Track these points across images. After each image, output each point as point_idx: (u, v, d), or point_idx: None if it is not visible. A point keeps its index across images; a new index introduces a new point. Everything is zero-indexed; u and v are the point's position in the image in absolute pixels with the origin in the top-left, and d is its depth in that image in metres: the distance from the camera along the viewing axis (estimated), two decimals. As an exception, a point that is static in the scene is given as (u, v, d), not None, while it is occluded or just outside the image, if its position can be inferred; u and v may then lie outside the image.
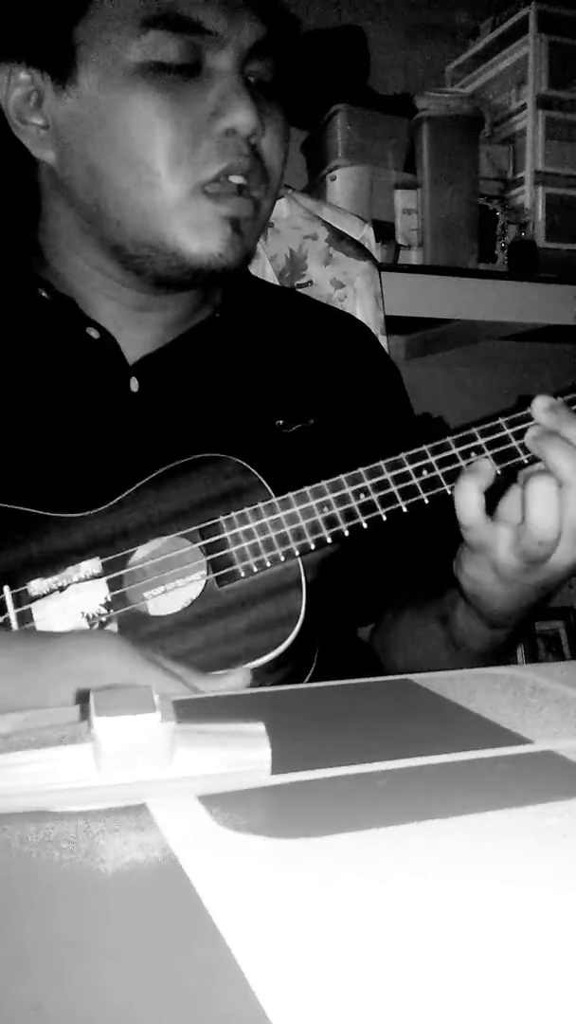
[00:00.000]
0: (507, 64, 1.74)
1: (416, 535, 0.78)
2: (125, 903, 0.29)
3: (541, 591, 0.64)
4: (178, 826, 0.34)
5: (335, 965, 0.25)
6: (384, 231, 1.54)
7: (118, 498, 0.66)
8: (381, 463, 0.63)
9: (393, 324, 1.16)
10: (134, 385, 0.75)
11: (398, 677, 0.55)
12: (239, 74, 0.68)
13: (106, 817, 0.35)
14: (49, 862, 0.32)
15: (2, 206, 0.81)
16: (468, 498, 0.60)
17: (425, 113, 1.61)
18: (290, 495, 0.63)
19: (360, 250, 1.07)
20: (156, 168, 0.67)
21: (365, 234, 1.12)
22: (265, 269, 1.04)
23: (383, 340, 1.06)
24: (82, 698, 0.54)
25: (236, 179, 0.68)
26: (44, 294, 0.75)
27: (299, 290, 1.02)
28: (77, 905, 0.29)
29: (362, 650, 0.89)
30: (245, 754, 0.37)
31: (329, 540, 0.63)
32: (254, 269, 1.02)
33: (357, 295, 1.05)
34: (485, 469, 0.62)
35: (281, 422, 0.77)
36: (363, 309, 1.05)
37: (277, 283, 1.04)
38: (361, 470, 0.63)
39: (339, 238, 1.07)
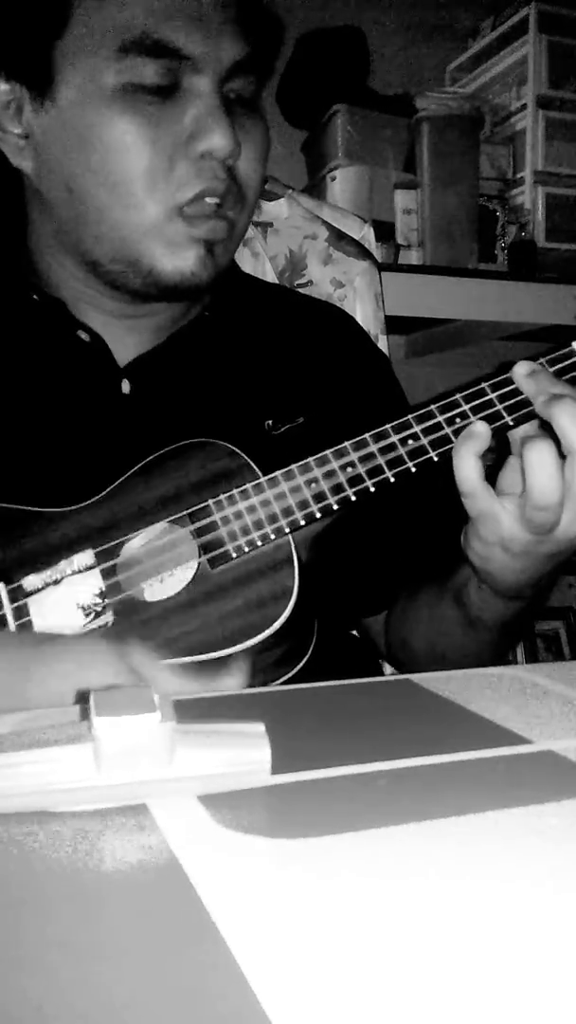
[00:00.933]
0: (507, 64, 1.74)
1: (420, 518, 0.78)
2: (125, 903, 0.29)
3: (551, 560, 0.63)
4: (178, 826, 0.34)
5: (335, 965, 0.25)
6: (384, 231, 1.54)
7: (107, 490, 0.66)
8: (367, 435, 0.63)
9: (393, 324, 1.16)
10: (125, 387, 0.76)
11: (398, 677, 0.55)
12: (217, 95, 0.68)
13: (106, 817, 0.35)
14: (49, 862, 0.32)
15: None
16: (466, 464, 0.59)
17: (425, 113, 1.61)
18: (277, 473, 0.64)
19: (360, 250, 1.07)
20: (133, 190, 0.67)
21: (365, 234, 1.12)
22: (265, 269, 1.04)
23: (383, 340, 1.06)
24: (82, 698, 0.54)
25: (212, 201, 0.69)
26: (35, 296, 0.76)
27: (298, 290, 1.01)
28: (77, 905, 0.29)
29: (358, 644, 0.89)
30: (245, 754, 0.37)
31: (318, 515, 0.63)
32: (254, 269, 1.02)
33: (357, 295, 1.05)
34: (479, 432, 0.61)
35: (271, 422, 0.78)
36: (363, 309, 1.05)
37: (277, 283, 1.04)
38: (347, 443, 0.63)
39: (339, 238, 1.07)
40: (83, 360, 0.76)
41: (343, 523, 0.68)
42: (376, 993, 0.23)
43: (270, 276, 1.04)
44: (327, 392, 0.82)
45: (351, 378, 0.86)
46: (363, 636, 0.90)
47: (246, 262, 1.02)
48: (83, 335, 0.75)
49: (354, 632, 0.91)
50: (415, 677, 0.55)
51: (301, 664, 0.65)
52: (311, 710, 0.51)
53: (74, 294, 0.76)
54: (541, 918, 0.27)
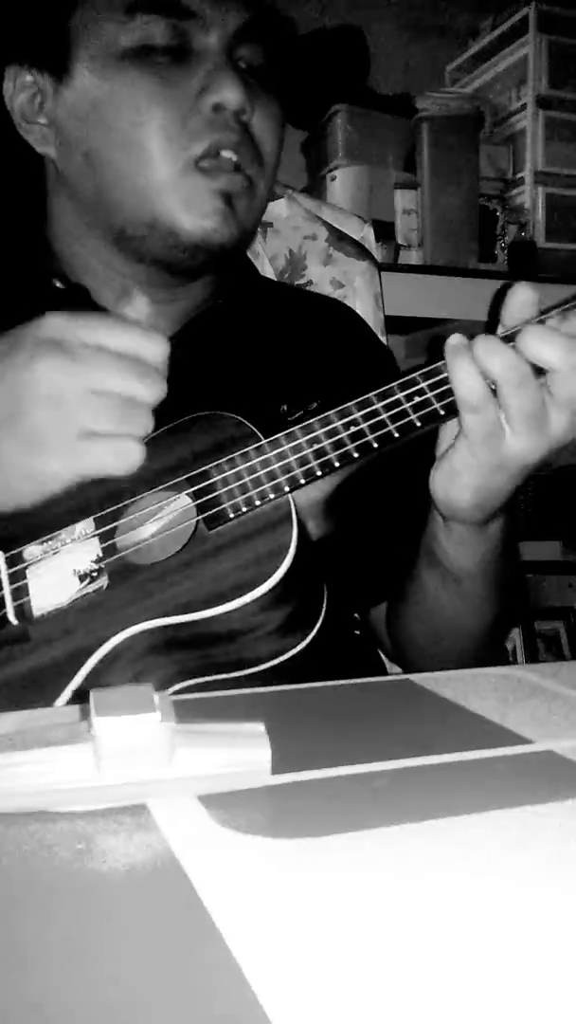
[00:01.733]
0: (507, 64, 1.74)
1: (410, 509, 0.78)
2: (125, 903, 0.29)
3: (525, 470, 0.63)
4: (178, 826, 0.34)
5: (335, 965, 0.25)
6: (384, 231, 1.54)
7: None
8: (371, 394, 0.63)
9: (393, 324, 1.16)
10: None
11: (398, 677, 0.55)
12: (226, 55, 0.71)
13: (106, 817, 0.35)
14: (49, 862, 0.32)
15: (11, 203, 0.82)
16: (468, 375, 0.58)
17: (425, 113, 1.61)
18: (279, 435, 0.63)
19: (360, 250, 1.07)
20: (148, 147, 0.69)
21: (365, 234, 1.12)
22: (265, 269, 1.04)
23: (383, 340, 1.06)
24: (82, 698, 0.54)
25: (227, 154, 0.70)
26: (58, 284, 0.76)
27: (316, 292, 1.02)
28: (77, 905, 0.29)
29: (361, 644, 0.89)
30: (245, 754, 0.37)
31: (319, 472, 0.62)
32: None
33: (357, 295, 1.05)
34: (459, 341, 0.61)
35: (285, 407, 0.78)
36: (363, 309, 1.04)
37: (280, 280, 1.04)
38: (351, 403, 0.63)
39: (339, 238, 1.07)
40: None
41: (354, 498, 0.68)
42: (376, 993, 0.23)
43: (270, 276, 1.04)
44: (338, 378, 0.83)
45: (359, 365, 0.87)
46: (368, 635, 0.90)
47: (246, 262, 1.02)
48: None
49: (356, 632, 0.91)
50: (415, 677, 0.55)
51: (310, 637, 0.64)
52: (311, 710, 0.51)
53: (98, 281, 0.77)
54: (541, 918, 0.27)
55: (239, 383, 0.79)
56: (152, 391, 0.59)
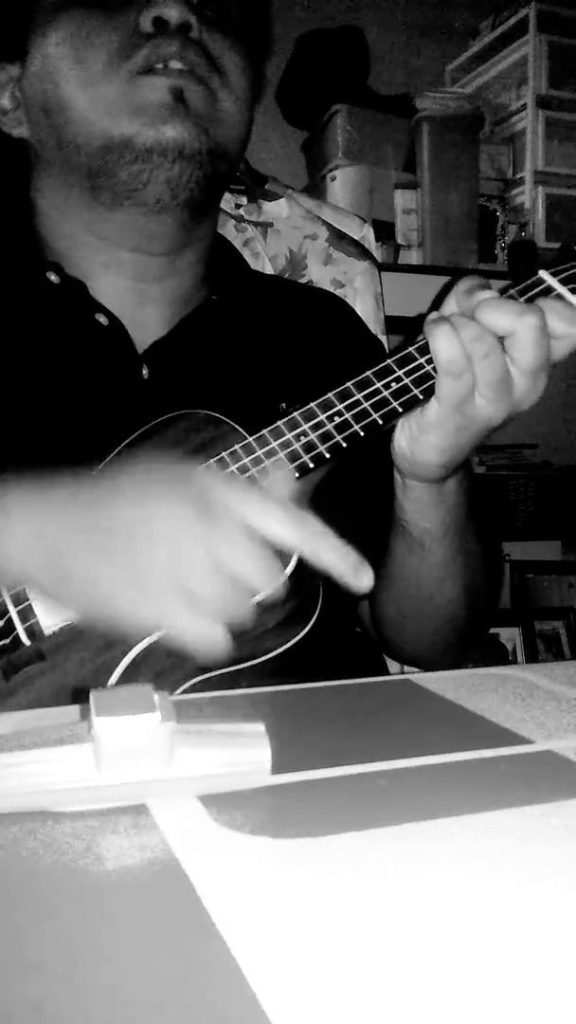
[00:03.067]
0: (507, 64, 1.74)
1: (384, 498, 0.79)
2: (125, 903, 0.29)
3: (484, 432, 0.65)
4: (178, 826, 0.34)
5: (335, 965, 0.25)
6: (384, 231, 1.54)
7: (99, 466, 0.66)
8: (349, 384, 0.65)
9: (393, 324, 1.16)
10: (145, 372, 0.76)
11: (398, 677, 0.55)
12: None
13: (106, 817, 0.35)
14: (49, 862, 0.32)
15: (4, 195, 0.82)
16: (449, 341, 0.60)
17: (425, 113, 1.61)
18: (265, 431, 0.64)
19: (360, 250, 1.07)
20: (92, 68, 0.69)
21: (365, 234, 1.12)
22: (265, 269, 1.04)
23: (383, 340, 1.06)
24: (82, 698, 0.54)
25: (175, 64, 0.69)
26: (53, 278, 0.76)
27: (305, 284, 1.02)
28: (77, 905, 0.29)
29: (361, 642, 0.89)
30: (245, 754, 0.37)
31: (311, 464, 0.63)
32: (253, 268, 1.02)
33: (357, 295, 1.05)
34: (439, 315, 0.63)
35: (284, 404, 0.78)
36: (363, 309, 1.04)
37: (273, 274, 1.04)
38: (331, 394, 0.64)
39: (339, 238, 1.07)
40: (102, 346, 0.76)
41: (334, 492, 0.69)
42: (376, 993, 0.23)
43: (270, 276, 1.04)
44: (333, 374, 0.83)
45: (354, 360, 0.87)
46: (363, 630, 0.90)
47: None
48: (101, 319, 0.76)
49: (358, 629, 0.91)
50: (415, 677, 0.55)
51: (307, 628, 0.65)
52: (311, 710, 0.51)
53: (89, 260, 0.76)
54: (541, 918, 0.27)
55: (235, 381, 0.79)
56: (266, 586, 0.51)
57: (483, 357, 0.60)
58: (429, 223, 1.61)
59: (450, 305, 0.66)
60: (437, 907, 0.28)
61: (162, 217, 0.73)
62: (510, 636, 1.89)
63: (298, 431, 0.63)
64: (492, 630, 1.87)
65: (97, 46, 0.70)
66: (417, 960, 0.25)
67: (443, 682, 0.53)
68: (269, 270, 1.04)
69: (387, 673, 0.90)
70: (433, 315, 0.64)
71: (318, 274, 1.05)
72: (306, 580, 0.63)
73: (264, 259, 1.04)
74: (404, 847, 0.32)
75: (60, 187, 0.76)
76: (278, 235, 1.06)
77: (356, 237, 1.09)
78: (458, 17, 1.91)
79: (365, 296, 1.06)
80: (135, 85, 0.69)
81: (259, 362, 0.81)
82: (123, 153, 0.70)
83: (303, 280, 1.06)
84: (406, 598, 0.78)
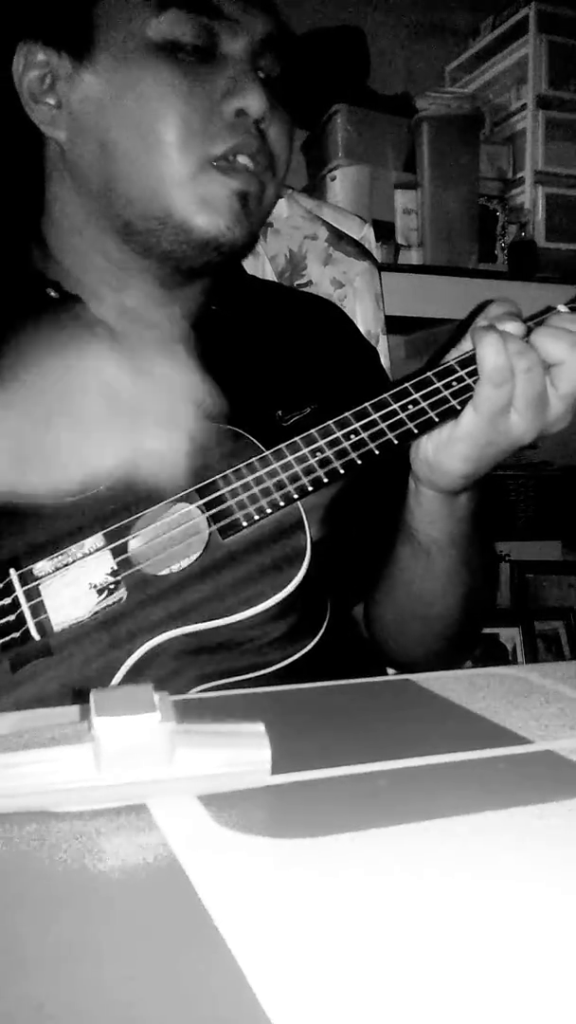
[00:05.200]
0: (507, 64, 1.74)
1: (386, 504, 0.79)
2: (125, 903, 0.29)
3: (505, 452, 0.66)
4: (178, 826, 0.34)
5: (335, 965, 0.25)
6: (384, 231, 1.54)
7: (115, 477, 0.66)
8: (367, 404, 0.65)
9: (393, 324, 1.16)
10: None
11: (398, 677, 0.55)
12: (251, 61, 0.71)
13: (106, 817, 0.35)
14: (49, 862, 0.32)
15: (7, 194, 0.82)
16: (496, 349, 0.61)
17: (425, 113, 1.61)
18: (282, 446, 0.65)
19: (360, 250, 1.07)
20: (168, 140, 0.69)
21: (365, 234, 1.12)
22: (265, 269, 1.04)
23: (383, 340, 1.06)
24: (82, 698, 0.54)
25: (244, 159, 0.71)
26: (52, 293, 0.76)
27: (300, 289, 1.02)
28: (77, 905, 0.29)
29: (361, 644, 0.89)
30: (245, 754, 0.37)
31: (325, 479, 0.63)
32: (254, 269, 1.02)
33: (357, 295, 1.05)
34: (487, 325, 0.63)
35: (280, 413, 0.78)
36: (363, 309, 1.04)
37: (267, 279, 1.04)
38: (348, 414, 0.65)
39: (339, 238, 1.07)
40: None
41: (346, 501, 0.69)
42: (376, 993, 0.23)
43: (270, 276, 1.04)
44: (330, 382, 0.83)
45: (349, 368, 0.87)
46: (357, 630, 0.90)
47: (246, 262, 1.02)
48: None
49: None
50: (415, 677, 0.55)
51: (315, 639, 0.65)
52: (311, 710, 0.51)
53: (95, 280, 0.76)
54: (542, 918, 0.27)
55: (234, 391, 0.79)
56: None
57: (525, 371, 0.61)
58: (429, 223, 1.60)
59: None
60: (437, 907, 0.28)
61: (186, 273, 0.76)
62: (510, 636, 1.89)
63: (314, 447, 0.64)
64: (492, 630, 1.87)
65: (179, 114, 0.69)
66: (417, 960, 0.25)
67: (443, 682, 0.53)
68: (269, 270, 1.04)
69: (386, 673, 0.90)
70: (481, 321, 0.64)
71: (318, 274, 1.05)
72: (312, 592, 0.64)
73: (264, 259, 1.04)
74: (404, 847, 0.32)
75: (82, 206, 0.75)
76: (278, 235, 1.06)
77: (356, 237, 1.09)
78: (458, 17, 1.91)
79: (365, 296, 1.06)
80: (207, 176, 0.70)
81: (257, 372, 0.81)
82: (176, 233, 0.72)
83: (303, 280, 1.06)
84: (406, 604, 0.79)
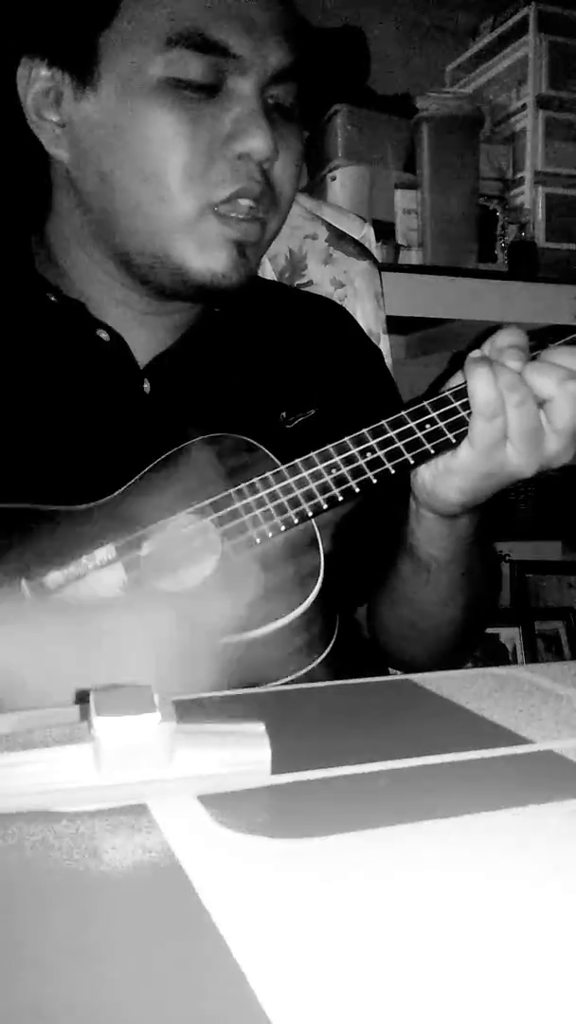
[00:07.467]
0: (507, 64, 1.74)
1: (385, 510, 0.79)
2: (125, 903, 0.29)
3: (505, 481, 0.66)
4: (178, 826, 0.34)
5: (335, 965, 0.25)
6: (384, 231, 1.53)
7: (125, 486, 0.66)
8: (384, 422, 0.65)
9: (393, 324, 1.16)
10: (147, 387, 0.76)
11: (398, 677, 0.55)
12: (259, 98, 0.68)
13: (106, 817, 0.35)
14: (49, 862, 0.32)
15: (11, 199, 0.81)
16: (487, 385, 0.60)
17: (425, 113, 1.61)
18: (297, 461, 0.64)
19: (360, 250, 1.07)
20: (168, 183, 0.67)
21: (365, 234, 1.12)
22: (265, 269, 1.04)
23: (383, 340, 1.06)
24: (82, 698, 0.54)
25: (246, 203, 0.69)
26: (53, 298, 0.76)
27: (303, 289, 1.02)
28: (77, 905, 0.29)
29: (365, 645, 0.89)
30: (245, 754, 0.37)
31: (340, 498, 0.63)
32: (254, 269, 1.02)
33: (357, 295, 1.05)
34: (478, 355, 0.63)
35: (284, 414, 0.78)
36: (363, 309, 1.04)
37: (269, 279, 1.04)
38: (365, 431, 0.65)
39: (339, 238, 1.07)
40: (103, 361, 0.76)
41: (353, 514, 0.69)
42: (376, 993, 0.23)
43: (270, 276, 1.04)
44: (333, 383, 0.83)
45: (353, 369, 0.87)
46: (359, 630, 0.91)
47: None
48: (103, 334, 0.76)
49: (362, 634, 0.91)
50: (415, 677, 0.55)
51: (327, 652, 0.66)
52: (311, 710, 0.51)
53: (97, 289, 0.76)
54: (541, 918, 0.27)
55: (237, 393, 0.79)
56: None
57: (517, 405, 0.61)
58: (429, 223, 1.61)
59: (484, 353, 0.65)
60: (437, 907, 0.28)
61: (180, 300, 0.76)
62: (510, 636, 1.89)
63: (329, 463, 0.64)
64: (492, 630, 1.87)
65: (181, 156, 0.67)
66: (417, 960, 0.25)
67: (443, 682, 0.53)
68: (269, 270, 1.04)
69: (388, 673, 0.91)
70: (475, 353, 0.64)
71: (318, 274, 1.05)
72: (324, 606, 0.64)
73: (264, 259, 1.04)
74: (404, 847, 0.32)
75: (84, 225, 0.74)
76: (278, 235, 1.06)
77: (356, 237, 1.09)
78: (458, 17, 1.91)
79: (365, 296, 1.06)
80: (206, 224, 0.69)
81: (260, 373, 0.81)
82: (173, 274, 0.71)
83: (303, 280, 1.05)
84: (409, 615, 0.79)
